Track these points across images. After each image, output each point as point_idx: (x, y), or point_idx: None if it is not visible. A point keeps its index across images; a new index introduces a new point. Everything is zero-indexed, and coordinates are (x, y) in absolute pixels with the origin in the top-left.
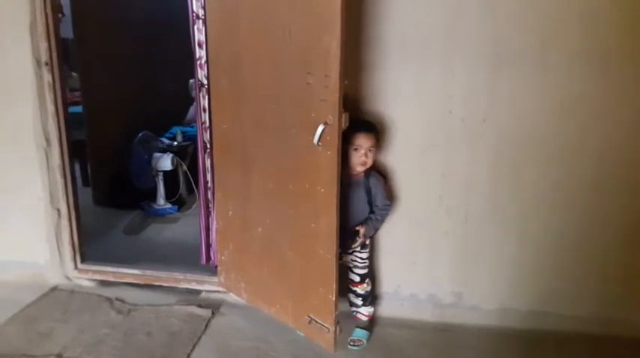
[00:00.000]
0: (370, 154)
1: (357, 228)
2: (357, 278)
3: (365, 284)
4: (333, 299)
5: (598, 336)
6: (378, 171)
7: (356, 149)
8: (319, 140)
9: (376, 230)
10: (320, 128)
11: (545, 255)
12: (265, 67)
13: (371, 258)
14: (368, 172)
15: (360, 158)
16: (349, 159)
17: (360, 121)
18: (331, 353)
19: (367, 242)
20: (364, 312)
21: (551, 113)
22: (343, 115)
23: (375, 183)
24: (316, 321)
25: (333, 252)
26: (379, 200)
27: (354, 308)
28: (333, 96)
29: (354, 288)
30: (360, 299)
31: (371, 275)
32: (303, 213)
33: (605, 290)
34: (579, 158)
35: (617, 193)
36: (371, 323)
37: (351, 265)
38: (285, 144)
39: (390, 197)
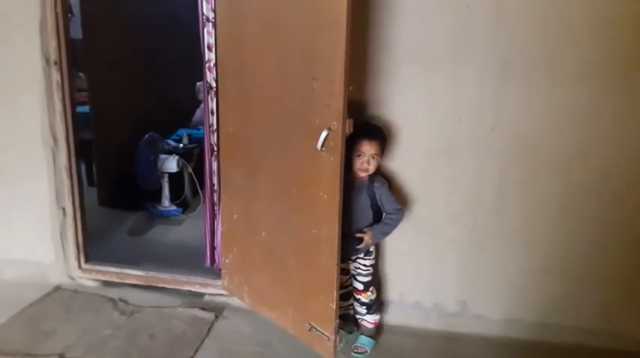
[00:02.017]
0: (373, 161)
1: (358, 235)
2: (360, 287)
3: (369, 293)
4: (334, 307)
5: (603, 349)
6: (382, 174)
7: (359, 155)
8: (323, 146)
9: (385, 235)
10: (324, 134)
11: (551, 266)
12: (272, 72)
13: (375, 264)
14: (372, 176)
15: (363, 164)
16: (352, 164)
17: (365, 127)
18: None
19: (371, 249)
20: (370, 320)
21: (559, 123)
22: (347, 121)
23: (378, 186)
24: (316, 329)
25: (334, 259)
26: (387, 204)
27: (359, 316)
28: (338, 102)
29: (358, 296)
30: (365, 307)
31: (376, 283)
32: (306, 218)
33: (612, 302)
34: (587, 169)
35: (624, 205)
36: (377, 331)
37: (354, 272)
38: (290, 148)
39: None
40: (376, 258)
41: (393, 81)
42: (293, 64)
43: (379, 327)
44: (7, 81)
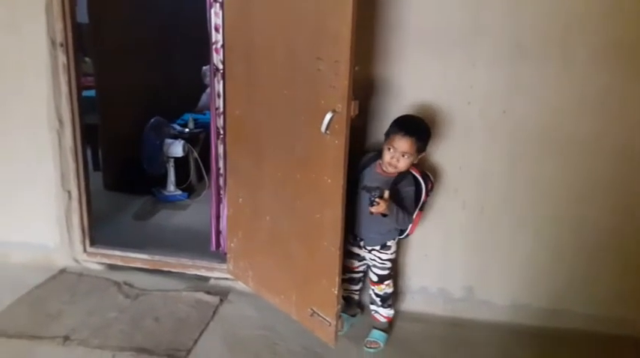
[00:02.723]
0: (404, 159)
1: (376, 194)
2: (374, 278)
3: (383, 286)
4: (336, 292)
5: (611, 336)
6: (420, 177)
7: (389, 149)
8: (327, 128)
9: (395, 216)
10: (328, 116)
11: (559, 252)
12: (278, 53)
13: (395, 259)
14: (403, 175)
15: (392, 159)
16: (382, 155)
17: (403, 119)
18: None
19: (389, 243)
20: (383, 313)
21: (571, 108)
22: (353, 103)
23: (405, 184)
24: (318, 314)
25: (337, 244)
26: (406, 202)
27: (373, 307)
28: (343, 83)
29: (372, 287)
30: (379, 299)
31: (394, 278)
32: (309, 203)
33: (620, 289)
34: (598, 154)
35: (636, 192)
36: (390, 326)
37: (370, 263)
38: (295, 131)
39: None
40: (396, 254)
41: (404, 62)
42: (300, 45)
43: (392, 322)
44: (13, 63)
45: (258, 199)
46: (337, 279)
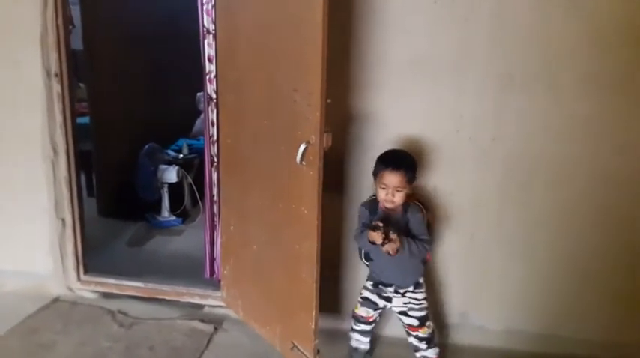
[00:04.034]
0: (398, 194)
1: (379, 224)
2: (415, 322)
3: (425, 327)
4: (313, 326)
5: None
6: (419, 201)
7: (382, 188)
8: (302, 159)
9: (409, 252)
10: (302, 147)
11: (552, 277)
12: (260, 84)
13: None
14: (406, 204)
15: (387, 196)
16: (377, 194)
17: (390, 155)
18: None
19: (421, 280)
20: (431, 355)
21: (559, 134)
22: (326, 135)
23: (413, 212)
24: (298, 348)
25: (313, 276)
26: (416, 229)
27: (419, 355)
28: (315, 115)
29: (415, 333)
30: (424, 342)
31: (431, 315)
32: (289, 233)
33: (613, 313)
34: (587, 180)
35: (626, 216)
36: None
37: (404, 308)
38: (277, 162)
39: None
40: (427, 290)
41: (393, 91)
42: (279, 77)
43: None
44: (7, 92)
45: (246, 227)
46: (314, 313)
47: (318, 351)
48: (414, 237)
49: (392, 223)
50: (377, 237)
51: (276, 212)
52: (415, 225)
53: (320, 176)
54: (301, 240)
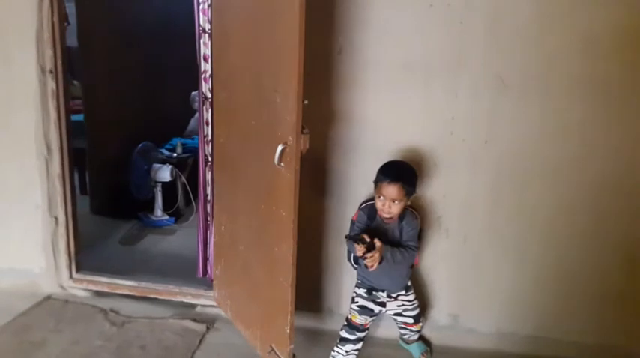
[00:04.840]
0: (395, 206)
1: (370, 240)
2: (410, 321)
3: (420, 324)
4: (288, 331)
5: None
6: (412, 206)
7: (379, 197)
8: (280, 161)
9: (392, 260)
10: (279, 148)
11: (543, 280)
12: (249, 83)
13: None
14: (403, 213)
15: (384, 207)
16: (375, 203)
17: (389, 166)
18: None
19: (409, 283)
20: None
21: (552, 137)
22: (303, 136)
23: (409, 220)
24: (275, 352)
25: (289, 279)
26: (406, 235)
27: (412, 338)
28: (292, 116)
29: (411, 328)
30: (416, 335)
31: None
32: (269, 235)
33: (604, 316)
34: (579, 183)
35: (617, 219)
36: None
37: (399, 310)
38: (261, 162)
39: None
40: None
41: (386, 94)
42: (263, 78)
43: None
44: (1, 89)
45: (234, 228)
46: (289, 317)
47: (294, 356)
48: (401, 244)
49: (387, 231)
50: (358, 249)
51: (259, 213)
52: (408, 231)
53: (296, 178)
54: (279, 242)
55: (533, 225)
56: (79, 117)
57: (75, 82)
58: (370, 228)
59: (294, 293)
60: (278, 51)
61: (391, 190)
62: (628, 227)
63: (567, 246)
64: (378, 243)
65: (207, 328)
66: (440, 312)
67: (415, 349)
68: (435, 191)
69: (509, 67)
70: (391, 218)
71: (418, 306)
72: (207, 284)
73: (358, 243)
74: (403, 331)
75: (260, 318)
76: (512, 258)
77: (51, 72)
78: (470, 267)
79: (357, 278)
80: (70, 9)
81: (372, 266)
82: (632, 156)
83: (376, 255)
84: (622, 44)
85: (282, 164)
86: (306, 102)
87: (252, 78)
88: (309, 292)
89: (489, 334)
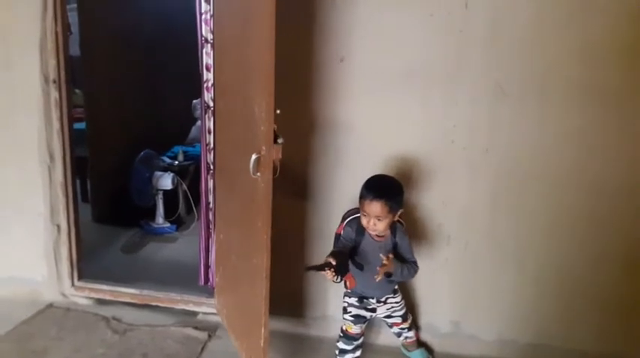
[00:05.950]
0: (380, 223)
1: (331, 261)
2: (399, 320)
3: (408, 321)
4: (262, 345)
5: None
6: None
7: (364, 214)
8: (256, 171)
9: (400, 275)
10: (253, 157)
11: (544, 287)
12: (237, 94)
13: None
14: (393, 227)
15: (369, 224)
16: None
17: (372, 182)
18: None
19: (396, 287)
20: (411, 334)
21: (551, 145)
22: (275, 146)
23: (401, 236)
24: None
25: (262, 293)
26: (405, 251)
27: (402, 337)
28: (265, 126)
29: (400, 327)
30: (406, 330)
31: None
32: (249, 246)
33: (605, 323)
34: (579, 190)
35: (616, 225)
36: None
37: (388, 312)
38: (246, 172)
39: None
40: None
41: (387, 102)
42: (248, 89)
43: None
44: (5, 98)
45: (229, 237)
46: (262, 331)
47: None
48: (403, 260)
49: (380, 248)
50: (328, 275)
51: (244, 223)
52: (404, 246)
53: (269, 188)
54: (257, 253)
55: (533, 232)
56: (81, 125)
57: (77, 91)
58: (358, 244)
59: (268, 305)
60: (255, 62)
61: (374, 207)
62: (628, 233)
63: (567, 252)
64: (385, 259)
65: (209, 336)
66: (441, 319)
67: (417, 356)
68: (435, 199)
69: (508, 74)
70: (382, 236)
71: (404, 306)
72: (209, 291)
73: (324, 270)
74: (394, 330)
75: (244, 330)
76: (512, 265)
77: (54, 81)
78: (471, 273)
79: (346, 288)
80: (73, 18)
81: (382, 272)
82: (631, 162)
83: (389, 264)
84: (620, 51)
85: (257, 174)
86: (278, 111)
87: (240, 88)
88: (295, 298)
89: (491, 341)
